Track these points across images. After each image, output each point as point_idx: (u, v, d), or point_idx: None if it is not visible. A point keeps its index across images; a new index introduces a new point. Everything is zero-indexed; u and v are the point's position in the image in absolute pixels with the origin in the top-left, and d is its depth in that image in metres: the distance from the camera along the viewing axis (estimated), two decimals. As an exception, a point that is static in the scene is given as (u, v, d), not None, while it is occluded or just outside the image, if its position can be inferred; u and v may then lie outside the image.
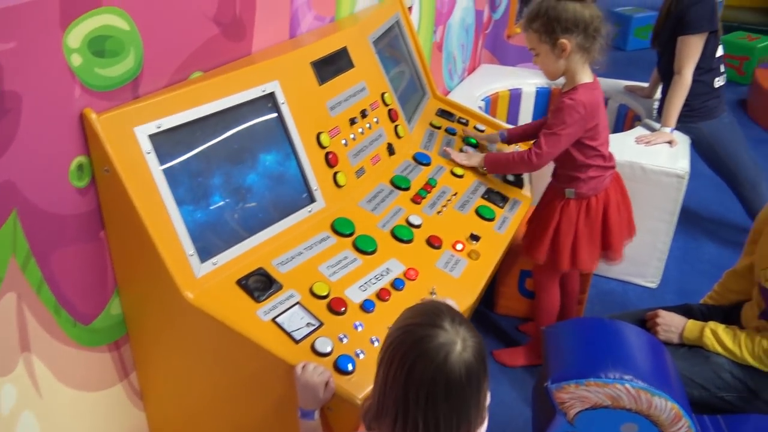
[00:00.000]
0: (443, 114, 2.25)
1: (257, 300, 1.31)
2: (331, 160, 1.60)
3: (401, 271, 1.49)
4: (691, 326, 1.67)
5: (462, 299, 1.48)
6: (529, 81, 3.24)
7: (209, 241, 1.33)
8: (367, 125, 1.78)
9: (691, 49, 2.53)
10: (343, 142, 1.68)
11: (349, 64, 1.77)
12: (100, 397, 1.37)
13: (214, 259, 1.32)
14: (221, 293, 1.30)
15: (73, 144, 1.14)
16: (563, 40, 1.74)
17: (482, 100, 3.07)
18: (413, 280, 1.48)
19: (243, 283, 1.33)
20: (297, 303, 1.33)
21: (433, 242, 1.61)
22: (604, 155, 1.89)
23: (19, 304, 1.12)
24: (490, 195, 1.88)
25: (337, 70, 1.71)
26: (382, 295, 1.41)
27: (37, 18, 1.01)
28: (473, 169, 1.97)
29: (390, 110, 1.89)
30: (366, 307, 1.37)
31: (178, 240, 1.26)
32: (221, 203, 1.37)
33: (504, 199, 1.89)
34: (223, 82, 1.39)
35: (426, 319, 0.97)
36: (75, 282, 1.23)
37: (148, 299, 1.33)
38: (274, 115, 1.50)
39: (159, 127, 1.25)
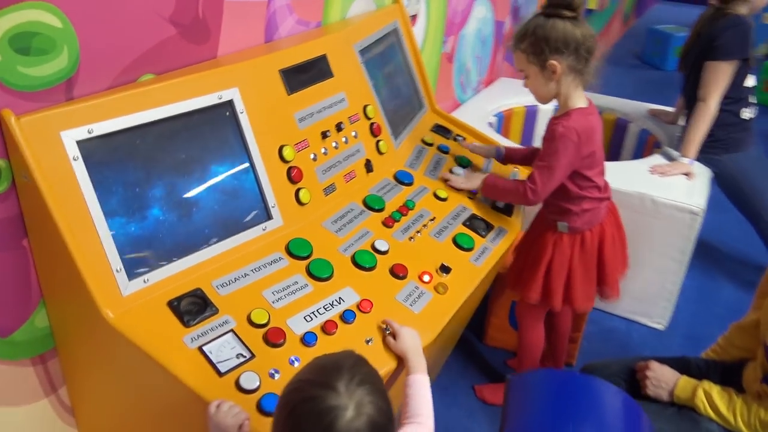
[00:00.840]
0: (439, 130, 2.12)
1: (186, 324, 1.21)
2: (293, 176, 1.50)
3: (354, 302, 1.37)
4: (684, 384, 1.52)
5: (420, 337, 1.35)
6: (547, 98, 3.08)
7: (142, 257, 1.24)
8: (343, 139, 1.67)
9: (719, 77, 2.34)
10: (312, 156, 1.57)
11: (328, 74, 1.66)
12: (23, 411, 1.29)
13: (145, 277, 1.23)
14: (148, 314, 1.20)
15: (-14, 147, 1.07)
16: (553, 62, 1.61)
17: (494, 115, 2.93)
18: (366, 312, 1.36)
19: (174, 305, 1.23)
20: (230, 330, 1.23)
21: (397, 272, 1.48)
22: (600, 186, 1.74)
23: None
24: (473, 222, 1.74)
25: (311, 80, 1.60)
26: (327, 327, 1.29)
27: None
28: (461, 191, 1.84)
29: (372, 124, 1.77)
30: (307, 340, 1.26)
31: (103, 254, 1.17)
32: (160, 217, 1.28)
33: (488, 227, 1.75)
34: (172, 86, 1.30)
35: (320, 377, 0.86)
36: (-11, 292, 1.16)
37: (72, 313, 1.25)
38: (232, 124, 1.41)
39: (90, 132, 1.16)
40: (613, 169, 2.39)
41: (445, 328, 1.48)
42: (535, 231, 1.86)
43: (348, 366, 0.91)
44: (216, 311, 1.25)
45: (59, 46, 1.12)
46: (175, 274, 1.27)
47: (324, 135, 1.60)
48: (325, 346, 1.26)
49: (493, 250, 1.68)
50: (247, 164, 1.43)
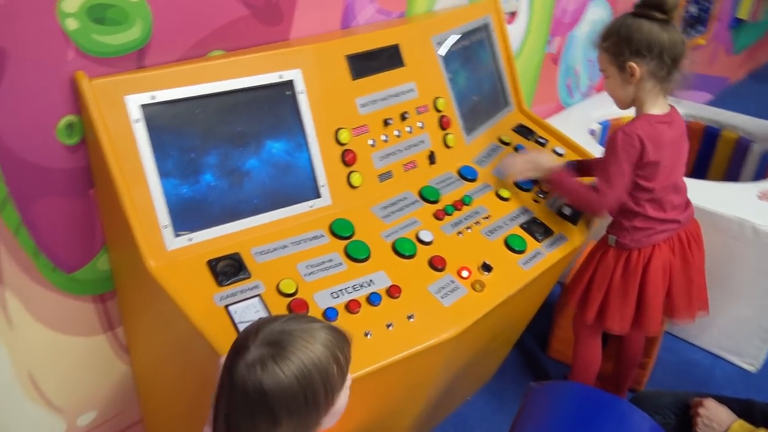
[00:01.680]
0: (521, 130, 2.07)
1: (219, 284, 1.30)
2: (347, 159, 1.54)
3: (385, 286, 1.39)
4: (738, 428, 1.38)
5: (442, 330, 1.34)
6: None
7: (189, 217, 1.34)
8: (407, 129, 1.68)
9: None
10: (370, 142, 1.60)
11: (398, 63, 1.69)
12: (81, 342, 1.46)
13: (190, 236, 1.33)
14: (187, 270, 1.30)
15: (62, 103, 1.21)
16: (632, 64, 1.54)
17: (599, 123, 2.79)
18: (394, 298, 1.37)
19: (212, 264, 1.32)
20: (258, 295, 1.30)
21: (436, 263, 1.48)
22: (662, 203, 1.61)
23: (-9, 242, 1.22)
24: (532, 225, 1.68)
25: (378, 67, 1.63)
26: (351, 306, 1.32)
27: (29, -20, 1.08)
28: (524, 191, 1.78)
29: (442, 117, 1.77)
30: (328, 315, 1.30)
31: (153, 210, 1.28)
32: (212, 182, 1.37)
33: (547, 233, 1.68)
34: (235, 63, 1.39)
35: (266, 320, 0.95)
36: (59, 232, 1.31)
37: (125, 261, 1.38)
38: (290, 103, 1.48)
39: (153, 98, 1.28)
40: (714, 189, 2.21)
41: (478, 328, 1.46)
42: (597, 242, 1.77)
43: (296, 321, 0.95)
44: (248, 276, 1.33)
45: (132, 18, 1.25)
46: (218, 237, 1.36)
47: (386, 122, 1.63)
48: (346, 323, 1.29)
49: (546, 256, 1.62)
50: (301, 143, 1.49)
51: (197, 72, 1.34)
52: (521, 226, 1.68)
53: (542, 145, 2.05)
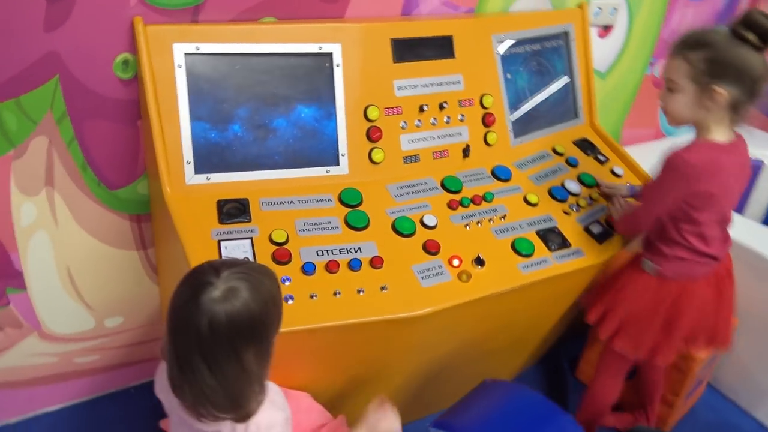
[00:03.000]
0: (583, 144, 2.01)
1: (220, 221, 1.44)
2: (372, 134, 1.62)
3: (369, 256, 1.45)
4: None
5: (410, 307, 1.38)
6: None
7: (212, 159, 1.50)
8: (445, 119, 1.72)
9: None
10: (402, 124, 1.66)
11: (449, 54, 1.73)
12: (116, 253, 1.68)
13: (209, 175, 1.49)
14: (197, 203, 1.46)
15: (121, 42, 1.42)
16: (720, 90, 1.40)
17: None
18: (375, 268, 1.44)
19: (220, 204, 1.47)
20: (250, 238, 1.43)
21: (430, 247, 1.51)
22: (706, 237, 1.50)
23: (49, 148, 1.45)
24: (549, 233, 1.65)
25: (424, 55, 1.69)
26: (330, 266, 1.41)
27: (102, -68, 1.29)
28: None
29: (486, 114, 1.78)
30: (306, 269, 1.39)
31: (180, 146, 1.46)
32: (239, 133, 1.52)
33: (563, 244, 1.64)
34: (279, 29, 1.53)
35: (219, 262, 1.04)
36: (106, 152, 1.53)
37: (155, 189, 1.57)
38: (326, 74, 1.58)
39: (197, 49, 1.45)
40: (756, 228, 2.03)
41: (459, 318, 1.48)
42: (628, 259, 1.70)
43: (248, 266, 1.04)
44: (249, 220, 1.46)
45: (192, -23, 1.43)
46: (233, 182, 1.51)
47: (421, 108, 1.68)
48: (318, 280, 1.38)
49: (553, 266, 1.58)
50: (332, 112, 1.60)
51: (240, 32, 1.49)
52: (537, 232, 1.65)
53: (602, 162, 1.98)
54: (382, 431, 1.27)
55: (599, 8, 2.14)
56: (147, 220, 1.69)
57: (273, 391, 1.14)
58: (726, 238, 1.58)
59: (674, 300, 1.54)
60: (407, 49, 1.67)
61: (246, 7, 1.54)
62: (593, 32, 2.21)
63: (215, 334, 0.97)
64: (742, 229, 1.92)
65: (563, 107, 2.07)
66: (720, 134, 1.48)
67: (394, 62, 1.65)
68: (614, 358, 1.73)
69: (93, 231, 1.62)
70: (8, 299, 1.59)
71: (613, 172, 1.96)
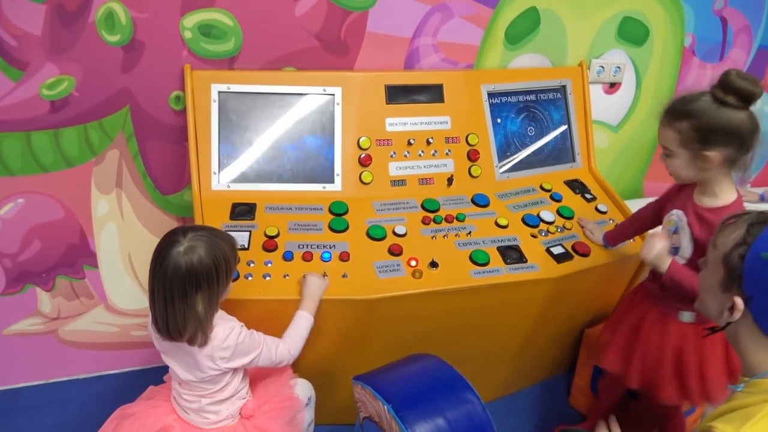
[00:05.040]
0: (573, 183, 2.23)
1: (231, 218, 1.86)
2: (362, 160, 1.98)
3: (340, 251, 1.79)
4: None
5: (362, 292, 1.68)
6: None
7: (234, 171, 1.93)
8: (432, 152, 2.05)
9: None
10: (391, 153, 2.01)
11: (438, 99, 2.07)
12: (167, 248, 2.15)
13: (229, 184, 1.93)
14: (217, 203, 1.89)
15: (175, 82, 1.92)
16: (709, 154, 1.49)
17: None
18: (342, 260, 1.77)
19: (234, 206, 1.89)
20: (249, 230, 1.82)
21: (393, 249, 1.82)
22: None
23: (120, 159, 1.97)
24: (508, 250, 1.88)
25: (415, 99, 2.04)
26: (306, 256, 1.76)
27: (165, 4, 1.81)
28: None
29: (471, 150, 2.08)
30: (286, 256, 1.76)
31: (209, 160, 1.91)
32: (256, 153, 1.95)
33: (519, 259, 1.86)
34: (294, 76, 1.97)
35: (188, 227, 1.42)
36: (161, 164, 2.02)
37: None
38: (329, 111, 1.98)
39: (228, 88, 1.92)
40: None
41: (410, 309, 1.74)
42: (646, 317, 1.75)
43: (210, 231, 1.42)
44: (252, 218, 1.86)
45: (229, 36, 1.91)
46: (247, 190, 1.93)
47: (409, 142, 2.02)
48: (294, 265, 1.74)
49: (503, 276, 1.81)
50: (332, 142, 1.99)
51: (261, 77, 1.95)
52: (498, 248, 1.89)
53: (588, 200, 2.17)
54: (313, 291, 1.62)
55: (601, 67, 2.38)
56: (190, 222, 2.15)
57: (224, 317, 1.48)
58: None
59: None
60: (399, 94, 2.04)
61: (273, 57, 2.00)
62: (599, 88, 2.44)
63: (175, 277, 1.35)
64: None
65: (559, 151, 2.30)
66: (732, 189, 1.56)
67: (387, 103, 2.03)
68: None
69: (149, 226, 2.10)
70: (84, 274, 2.11)
71: (597, 209, 2.14)
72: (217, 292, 1.42)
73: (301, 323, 1.58)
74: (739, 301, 1.03)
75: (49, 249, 2.03)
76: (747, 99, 1.46)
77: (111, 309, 2.19)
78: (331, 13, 1.97)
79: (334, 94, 1.99)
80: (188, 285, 1.36)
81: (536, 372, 2.34)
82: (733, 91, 1.46)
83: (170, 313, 1.36)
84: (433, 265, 1.79)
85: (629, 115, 2.54)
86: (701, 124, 1.49)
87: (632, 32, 2.38)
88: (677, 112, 1.55)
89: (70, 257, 2.07)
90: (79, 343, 2.21)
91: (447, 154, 2.08)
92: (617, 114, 2.53)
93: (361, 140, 1.99)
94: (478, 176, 2.09)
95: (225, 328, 1.42)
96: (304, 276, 1.67)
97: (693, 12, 2.42)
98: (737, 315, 1.03)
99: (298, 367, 1.76)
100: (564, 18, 2.25)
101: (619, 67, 2.42)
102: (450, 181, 2.06)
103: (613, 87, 2.47)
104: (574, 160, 2.31)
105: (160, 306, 1.37)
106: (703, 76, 2.57)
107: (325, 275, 1.70)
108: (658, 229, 1.76)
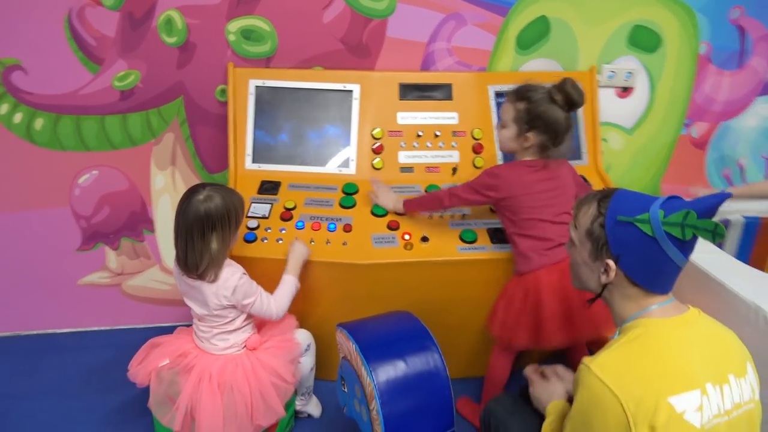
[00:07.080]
0: (576, 178, 2.38)
1: (258, 193, 2.19)
2: (375, 148, 2.25)
3: (344, 224, 2.06)
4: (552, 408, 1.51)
5: (358, 257, 1.96)
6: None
7: (265, 154, 2.27)
8: (439, 144, 2.29)
9: None
10: (401, 143, 2.27)
11: (447, 97, 2.31)
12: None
13: (260, 164, 2.26)
14: (250, 181, 2.23)
15: (221, 77, 2.28)
16: (529, 135, 1.87)
17: (743, 216, 2.67)
18: (345, 231, 2.05)
19: (262, 183, 2.22)
20: (271, 203, 2.14)
21: (391, 225, 2.08)
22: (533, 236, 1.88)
23: (174, 141, 2.35)
24: (498, 232, 2.08)
25: (425, 96, 2.30)
26: (314, 225, 2.06)
27: (213, 11, 2.18)
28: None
29: (476, 144, 2.30)
30: (298, 225, 2.06)
31: (245, 144, 2.26)
32: (285, 139, 2.28)
33: (507, 240, 2.05)
34: (319, 74, 2.28)
35: (204, 183, 1.75)
36: (208, 147, 2.39)
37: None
38: (348, 105, 2.28)
39: (263, 83, 2.26)
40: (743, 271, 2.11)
41: (399, 276, 1.99)
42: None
43: (224, 187, 1.74)
44: (276, 193, 2.18)
45: (266, 39, 2.26)
46: (275, 170, 2.26)
47: (418, 134, 2.28)
48: (306, 232, 2.04)
49: (488, 252, 2.02)
50: (348, 131, 2.27)
51: (292, 74, 2.28)
52: (488, 230, 2.10)
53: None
54: (298, 256, 1.90)
55: (612, 72, 2.53)
56: (232, 199, 2.50)
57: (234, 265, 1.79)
58: (563, 235, 1.78)
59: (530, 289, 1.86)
60: (411, 91, 2.30)
61: (304, 58, 2.32)
62: (611, 92, 2.59)
63: (195, 219, 1.68)
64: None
65: (566, 149, 2.46)
66: (528, 156, 1.92)
67: (400, 99, 2.29)
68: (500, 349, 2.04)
69: (197, 200, 2.47)
70: (144, 237, 2.51)
71: (594, 202, 2.30)
72: (229, 234, 1.73)
73: (289, 287, 1.87)
74: (611, 263, 1.22)
75: (115, 214, 2.45)
76: (570, 104, 1.85)
77: (164, 269, 2.58)
78: (355, 20, 2.27)
79: (352, 91, 2.29)
80: (206, 226, 1.68)
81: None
82: (563, 94, 1.84)
83: (190, 248, 1.69)
84: (424, 239, 2.04)
85: (644, 119, 2.66)
86: (532, 109, 1.84)
87: (643, 40, 2.52)
88: (520, 94, 1.89)
89: (133, 222, 2.47)
90: (138, 297, 2.62)
91: (453, 146, 2.31)
92: (632, 118, 2.66)
93: (374, 131, 2.27)
94: (481, 167, 2.31)
95: (230, 270, 1.73)
96: (292, 242, 1.96)
97: (708, 21, 2.53)
98: (612, 274, 1.22)
99: (302, 324, 2.05)
100: (574, 26, 2.44)
101: (630, 72, 2.55)
102: (455, 170, 2.29)
103: (626, 91, 2.61)
104: (580, 158, 2.48)
105: (182, 243, 1.71)
106: (720, 83, 2.65)
107: (312, 243, 1.99)
108: (381, 183, 2.16)
